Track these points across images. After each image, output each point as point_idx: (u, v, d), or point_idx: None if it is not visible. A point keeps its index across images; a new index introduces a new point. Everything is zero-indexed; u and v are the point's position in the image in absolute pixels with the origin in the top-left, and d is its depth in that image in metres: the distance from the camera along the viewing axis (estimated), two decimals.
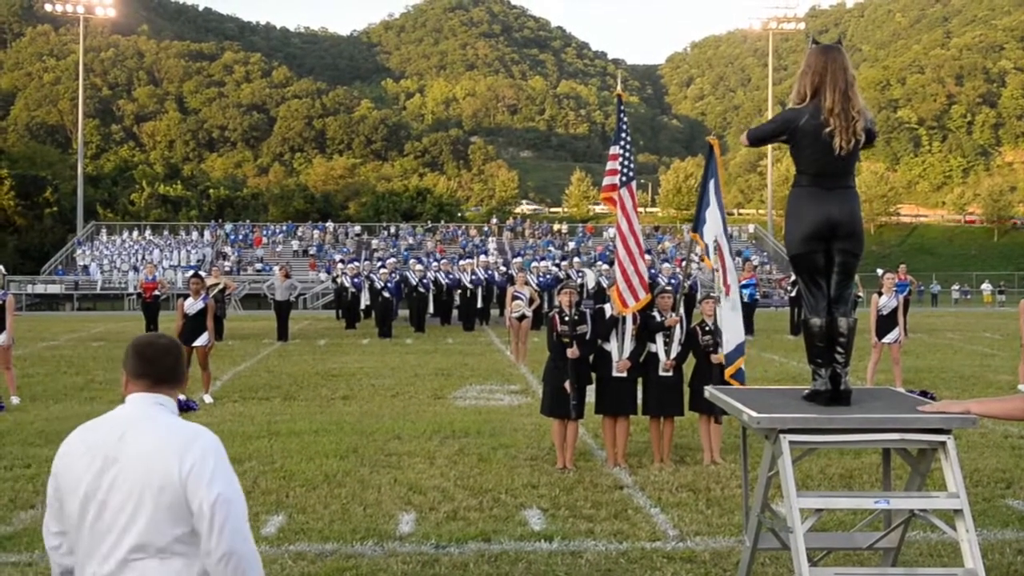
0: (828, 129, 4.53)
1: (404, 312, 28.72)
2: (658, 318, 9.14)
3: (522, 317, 18.53)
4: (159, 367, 2.98)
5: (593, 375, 9.17)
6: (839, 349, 4.69)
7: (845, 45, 4.89)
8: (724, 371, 8.74)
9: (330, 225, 63.36)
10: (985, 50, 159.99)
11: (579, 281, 23.24)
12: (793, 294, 25.95)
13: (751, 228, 66.78)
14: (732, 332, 8.68)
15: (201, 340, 13.24)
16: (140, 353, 2.99)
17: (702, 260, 9.29)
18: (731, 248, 9.05)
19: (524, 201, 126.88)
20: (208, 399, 13.14)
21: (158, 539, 2.74)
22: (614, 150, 9.47)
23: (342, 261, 36.38)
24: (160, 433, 2.83)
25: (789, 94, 4.92)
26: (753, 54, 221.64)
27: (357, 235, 61.29)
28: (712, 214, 8.85)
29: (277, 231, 62.06)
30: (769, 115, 63.22)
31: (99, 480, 2.79)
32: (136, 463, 2.77)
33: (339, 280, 30.32)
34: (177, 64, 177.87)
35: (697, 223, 9.05)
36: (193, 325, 13.27)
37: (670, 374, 9.11)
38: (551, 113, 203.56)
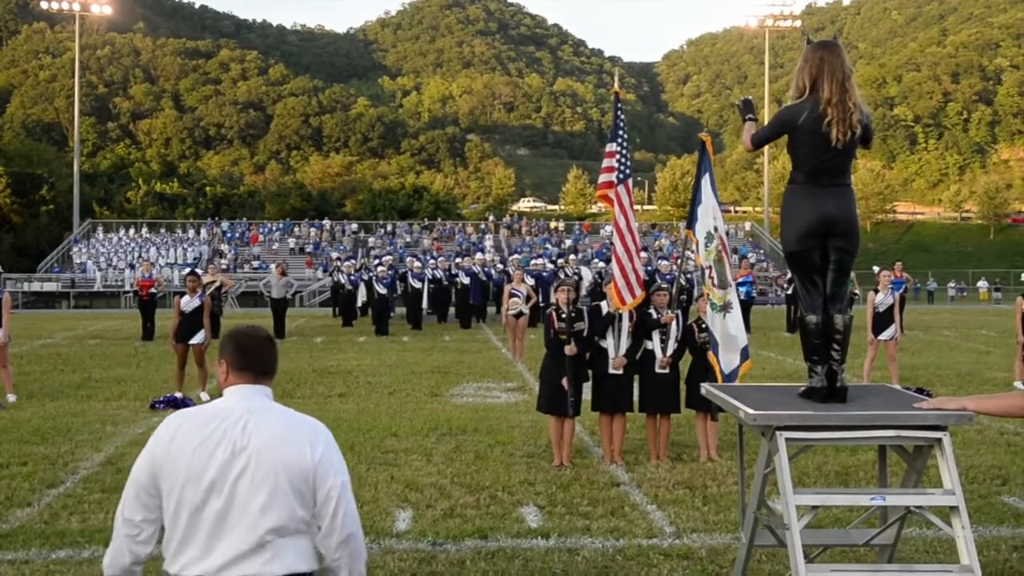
0: (826, 120, 4.53)
1: (401, 310, 28.73)
2: (654, 315, 9.15)
3: (519, 314, 18.54)
4: (261, 360, 3.11)
5: (590, 372, 9.18)
6: (835, 346, 4.70)
7: (841, 43, 4.89)
8: (727, 375, 8.71)
9: (327, 223, 63.31)
10: (981, 48, 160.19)
11: (575, 278, 23.24)
12: (790, 292, 25.97)
13: (748, 226, 66.80)
14: (738, 335, 8.70)
15: (197, 338, 13.24)
16: (243, 346, 3.11)
17: (695, 257, 9.30)
18: (726, 243, 9.06)
19: (524, 199, 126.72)
20: (205, 397, 13.13)
21: (291, 522, 2.90)
22: (611, 147, 9.47)
23: (339, 259, 36.36)
24: (285, 423, 3.00)
25: (786, 91, 4.92)
26: (750, 52, 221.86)
27: (354, 233, 61.25)
28: (704, 211, 8.88)
29: (274, 229, 62.01)
30: (766, 113, 63.15)
31: (228, 468, 2.90)
32: (269, 451, 2.91)
33: (336, 277, 30.32)
34: (173, 62, 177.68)
35: (690, 220, 9.08)
36: (189, 323, 13.26)
37: (666, 371, 9.12)
38: (548, 111, 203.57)
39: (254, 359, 3.10)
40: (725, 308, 8.78)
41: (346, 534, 2.97)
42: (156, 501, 2.97)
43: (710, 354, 8.93)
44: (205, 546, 2.89)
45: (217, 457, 2.91)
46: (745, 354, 8.79)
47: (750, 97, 5.32)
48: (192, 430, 2.97)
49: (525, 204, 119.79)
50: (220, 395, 3.12)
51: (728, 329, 8.78)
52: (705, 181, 8.94)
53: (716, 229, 8.85)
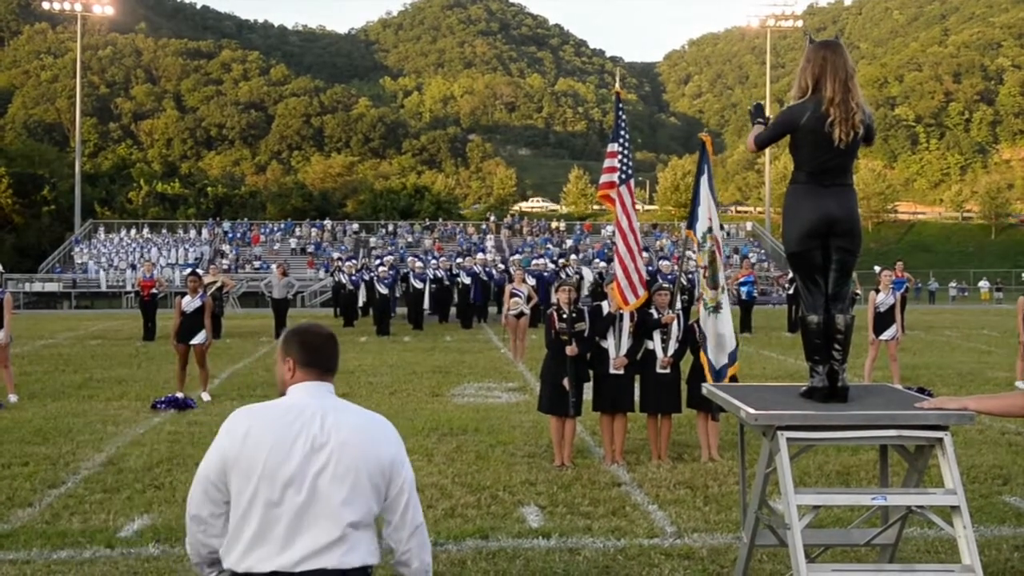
0: (829, 120, 4.53)
1: (402, 310, 28.72)
2: (655, 315, 9.15)
3: (520, 315, 18.53)
4: (326, 357, 3.19)
5: (591, 372, 9.17)
6: (836, 346, 4.70)
7: (843, 42, 4.88)
8: (718, 374, 8.69)
9: (328, 223, 63.36)
10: (983, 47, 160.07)
11: (576, 279, 23.24)
12: (791, 291, 25.96)
13: (749, 226, 66.79)
14: (728, 335, 8.68)
15: (198, 338, 13.23)
16: (309, 344, 3.18)
17: (696, 257, 9.31)
18: (723, 246, 9.07)
19: (534, 199, 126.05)
20: (206, 397, 13.13)
21: (367, 516, 3.01)
22: (612, 148, 9.47)
23: (340, 259, 36.37)
24: (363, 419, 3.11)
25: (788, 92, 4.92)
26: (751, 52, 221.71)
27: (355, 233, 61.29)
28: (703, 211, 8.88)
29: (275, 229, 62.06)
30: (767, 113, 62.82)
31: (308, 463, 2.95)
32: (350, 447, 2.99)
33: (337, 277, 30.31)
34: (175, 62, 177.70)
35: (691, 220, 9.09)
36: (190, 323, 13.26)
37: (667, 371, 9.12)
38: (549, 111, 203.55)
39: (320, 356, 3.17)
40: (716, 308, 8.78)
41: (416, 526, 3.12)
42: (224, 496, 3.01)
43: (701, 353, 8.93)
44: (283, 541, 2.92)
45: (296, 452, 2.96)
46: (733, 357, 8.76)
47: (761, 102, 5.31)
48: (266, 426, 3.01)
49: (535, 203, 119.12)
50: (282, 393, 3.18)
51: (718, 329, 8.77)
52: (704, 181, 8.95)
53: (711, 230, 8.86)
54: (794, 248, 4.77)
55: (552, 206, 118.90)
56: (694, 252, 9.19)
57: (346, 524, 2.95)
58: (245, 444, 2.98)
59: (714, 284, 8.83)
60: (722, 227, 9.11)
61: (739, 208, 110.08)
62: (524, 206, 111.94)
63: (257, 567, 2.92)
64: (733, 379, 8.71)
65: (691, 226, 9.09)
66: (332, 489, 2.94)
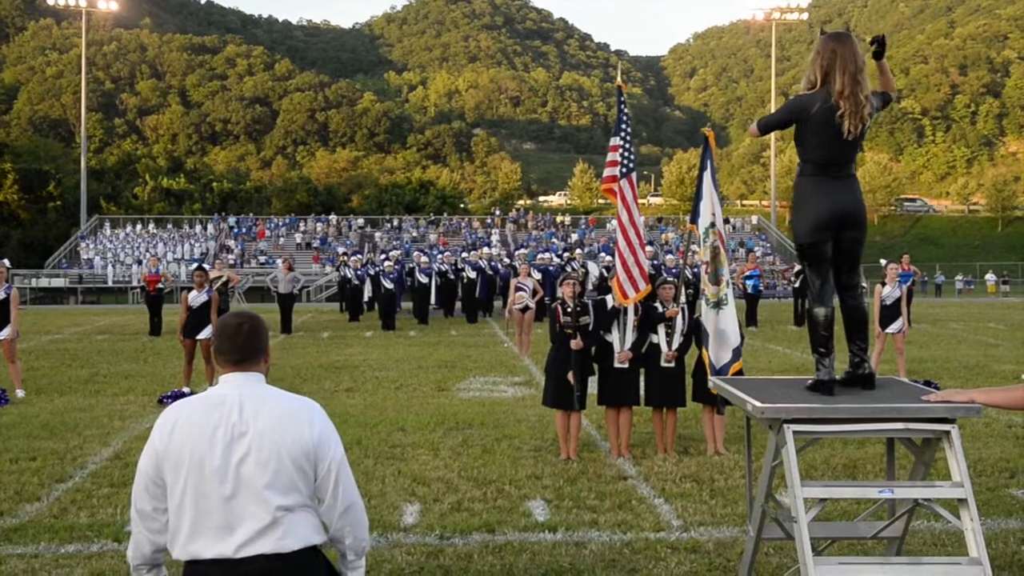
0: (839, 112, 4.53)
1: (408, 304, 28.73)
2: (660, 309, 9.14)
3: (525, 309, 18.54)
4: (234, 348, 3.17)
5: (596, 366, 9.17)
6: (857, 335, 4.76)
7: (853, 35, 4.87)
8: (717, 369, 8.65)
9: (333, 218, 63.36)
10: (989, 40, 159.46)
11: (581, 272, 23.24)
12: (797, 285, 25.94)
13: (754, 219, 66.66)
14: (731, 332, 8.64)
15: (205, 333, 13.27)
16: (221, 333, 3.22)
17: (698, 251, 9.28)
18: (727, 240, 9.03)
19: (558, 193, 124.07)
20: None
21: (297, 499, 3.03)
22: (614, 141, 9.46)
23: (346, 254, 36.37)
24: (283, 405, 3.11)
25: (794, 85, 4.91)
26: (756, 45, 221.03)
27: (360, 228, 61.29)
28: (706, 206, 8.86)
29: (280, 224, 62.07)
30: (772, 106, 63.04)
31: (230, 453, 3.00)
32: (270, 434, 3.02)
33: (342, 272, 30.33)
34: (179, 57, 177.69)
35: (694, 214, 9.07)
36: (197, 318, 13.30)
37: (672, 365, 9.11)
38: (554, 105, 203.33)
39: (230, 346, 3.17)
40: (718, 304, 8.71)
41: (347, 504, 3.15)
42: (163, 490, 3.06)
43: (704, 352, 8.88)
44: (219, 529, 2.98)
45: (218, 443, 3.00)
46: (737, 354, 8.71)
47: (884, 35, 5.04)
48: (190, 419, 3.06)
49: (557, 199, 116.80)
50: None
51: (720, 325, 8.69)
52: (707, 176, 8.92)
53: (713, 224, 8.83)
54: (805, 240, 4.77)
55: (555, 199, 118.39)
56: (697, 246, 9.17)
57: (275, 508, 2.98)
58: (172, 437, 3.04)
59: (716, 280, 8.80)
60: (727, 221, 9.03)
61: (744, 201, 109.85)
62: (549, 201, 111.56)
63: (200, 555, 2.99)
64: (738, 375, 8.68)
65: (694, 220, 9.07)
66: (256, 476, 2.98)
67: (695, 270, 22.73)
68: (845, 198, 4.65)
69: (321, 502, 3.13)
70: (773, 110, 5.01)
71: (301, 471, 3.04)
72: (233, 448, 3.00)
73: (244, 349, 3.17)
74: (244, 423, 3.02)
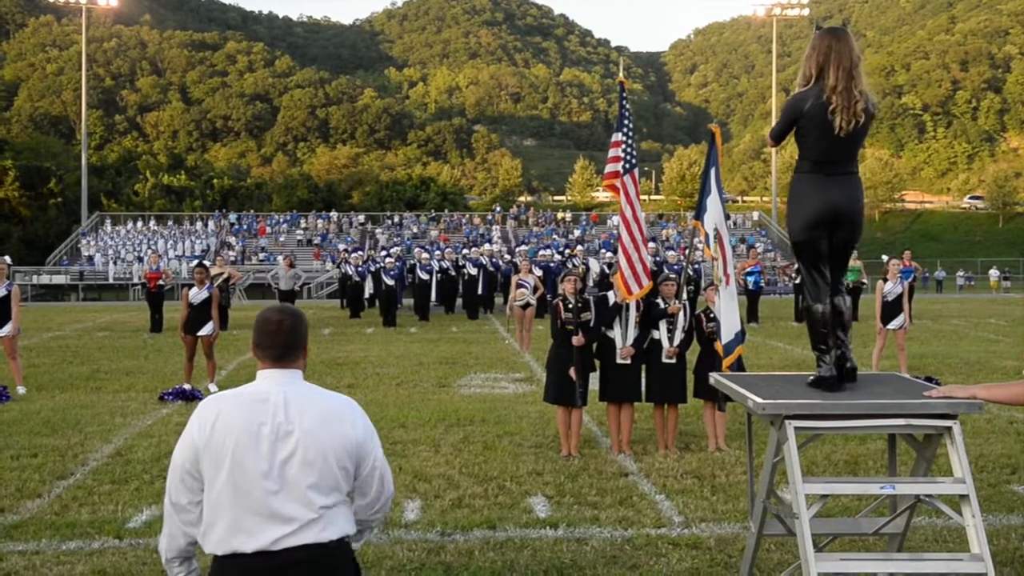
0: (831, 108, 4.50)
1: (409, 301, 28.73)
2: (661, 305, 9.13)
3: (526, 305, 18.53)
4: (277, 344, 3.17)
5: (597, 362, 9.17)
6: (840, 329, 4.71)
7: (850, 30, 4.84)
8: (722, 361, 8.67)
9: (334, 214, 63.36)
10: (990, 35, 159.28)
11: (582, 268, 23.25)
12: (797, 281, 25.92)
13: (755, 215, 66.62)
14: (729, 321, 8.65)
15: (206, 329, 13.26)
16: (260, 329, 3.20)
17: (704, 249, 9.26)
18: (730, 236, 9.01)
19: (599, 191, 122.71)
20: (213, 388, 13.15)
21: (338, 498, 3.11)
22: (616, 137, 9.44)
23: (347, 250, 36.36)
24: (326, 405, 3.14)
25: (795, 80, 4.89)
26: (757, 41, 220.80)
27: (361, 224, 61.30)
28: (713, 202, 8.82)
29: (281, 221, 62.08)
30: (773, 102, 62.95)
31: (275, 451, 3.02)
32: (316, 434, 3.05)
33: (343, 268, 30.33)
34: (180, 54, 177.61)
35: (699, 211, 9.03)
36: (198, 315, 13.28)
37: (673, 361, 9.11)
38: (554, 101, 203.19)
39: (270, 342, 3.17)
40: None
41: (386, 499, 3.30)
42: (199, 483, 3.07)
43: (717, 343, 8.89)
44: (259, 526, 2.99)
45: (263, 441, 3.02)
46: (734, 345, 8.70)
47: None
48: (233, 414, 3.06)
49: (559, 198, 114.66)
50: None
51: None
52: (712, 173, 8.89)
53: (717, 224, 8.80)
54: (799, 237, 4.75)
55: (551, 197, 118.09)
56: (701, 243, 9.15)
57: (318, 507, 3.03)
58: (214, 431, 3.04)
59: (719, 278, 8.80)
60: (728, 216, 9.03)
61: (745, 198, 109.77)
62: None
63: (241, 548, 2.99)
64: (738, 360, 8.66)
65: (699, 216, 9.04)
66: (301, 476, 3.01)
67: (696, 267, 22.73)
68: (840, 196, 4.61)
69: (364, 496, 3.23)
70: (774, 107, 5.02)
71: (344, 471, 3.10)
72: (278, 447, 3.02)
73: (285, 345, 3.17)
74: (290, 422, 3.04)
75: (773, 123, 5.16)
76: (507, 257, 32.32)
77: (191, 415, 3.14)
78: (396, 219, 62.63)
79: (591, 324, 8.96)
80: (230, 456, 3.00)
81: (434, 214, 65.07)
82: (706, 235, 8.89)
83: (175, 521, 3.12)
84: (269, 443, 3.01)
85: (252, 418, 3.04)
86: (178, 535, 3.14)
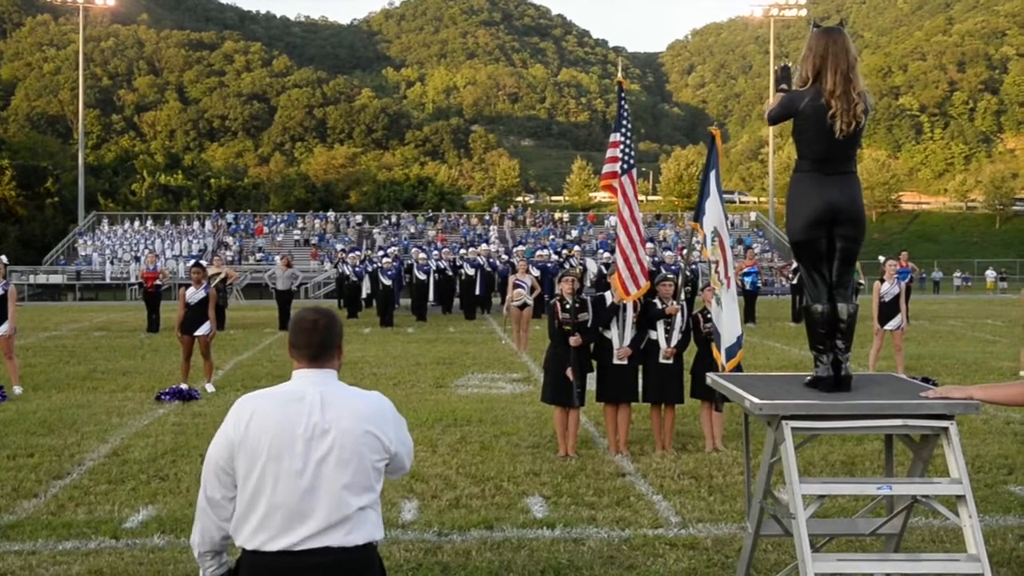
0: (830, 112, 4.50)
1: (406, 301, 28.73)
2: (659, 306, 9.13)
3: (523, 305, 18.53)
4: (312, 343, 3.21)
5: (594, 363, 9.17)
6: (840, 335, 4.68)
7: (847, 29, 4.84)
8: (724, 367, 8.67)
9: (331, 214, 63.33)
10: (987, 36, 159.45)
11: (579, 269, 23.24)
12: (795, 282, 25.93)
13: (753, 216, 66.65)
14: (731, 325, 8.66)
15: (203, 329, 13.24)
16: (296, 328, 3.25)
17: (702, 250, 9.27)
18: (730, 238, 9.01)
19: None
20: (210, 388, 13.14)
21: (371, 498, 3.13)
22: (615, 138, 9.44)
23: (344, 250, 36.32)
24: (362, 405, 3.17)
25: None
26: (754, 41, 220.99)
27: (358, 224, 61.27)
28: (712, 204, 8.82)
29: (278, 221, 62.03)
30: (770, 103, 62.69)
31: (310, 449, 3.05)
32: (352, 434, 3.08)
33: (340, 268, 30.31)
34: (177, 53, 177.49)
35: (698, 213, 9.04)
36: (195, 314, 13.26)
37: (670, 362, 9.11)
38: (552, 101, 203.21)
39: (305, 341, 3.21)
40: (719, 301, 8.74)
41: (410, 468, 3.41)
42: (233, 480, 3.11)
43: (713, 346, 8.90)
44: (289, 523, 3.02)
45: (299, 440, 3.05)
46: (736, 348, 8.70)
47: (788, 64, 5.18)
48: (269, 411, 3.10)
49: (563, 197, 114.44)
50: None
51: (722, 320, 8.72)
52: (712, 175, 8.90)
53: (717, 226, 8.81)
54: (798, 237, 4.75)
55: (549, 197, 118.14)
56: (699, 244, 9.15)
57: (350, 507, 3.05)
58: (249, 428, 3.07)
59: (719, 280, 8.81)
60: (727, 216, 9.01)
61: (743, 199, 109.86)
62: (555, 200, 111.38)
63: (266, 547, 3.02)
64: (736, 370, 8.68)
65: (697, 218, 9.04)
66: (335, 475, 3.04)
67: (693, 267, 22.73)
68: (838, 195, 4.61)
69: (399, 471, 3.31)
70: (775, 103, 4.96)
71: (377, 471, 3.14)
72: (314, 446, 3.04)
73: (320, 345, 3.20)
74: (327, 422, 3.06)
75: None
76: (504, 257, 32.29)
77: (229, 411, 3.18)
78: (393, 219, 62.60)
79: (588, 324, 8.96)
80: (265, 454, 3.04)
81: (431, 214, 65.02)
82: (704, 237, 8.90)
83: (209, 515, 3.16)
84: (304, 442, 3.04)
85: (288, 416, 3.07)
86: (212, 528, 3.17)
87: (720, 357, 8.73)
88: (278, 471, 3.02)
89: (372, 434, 3.11)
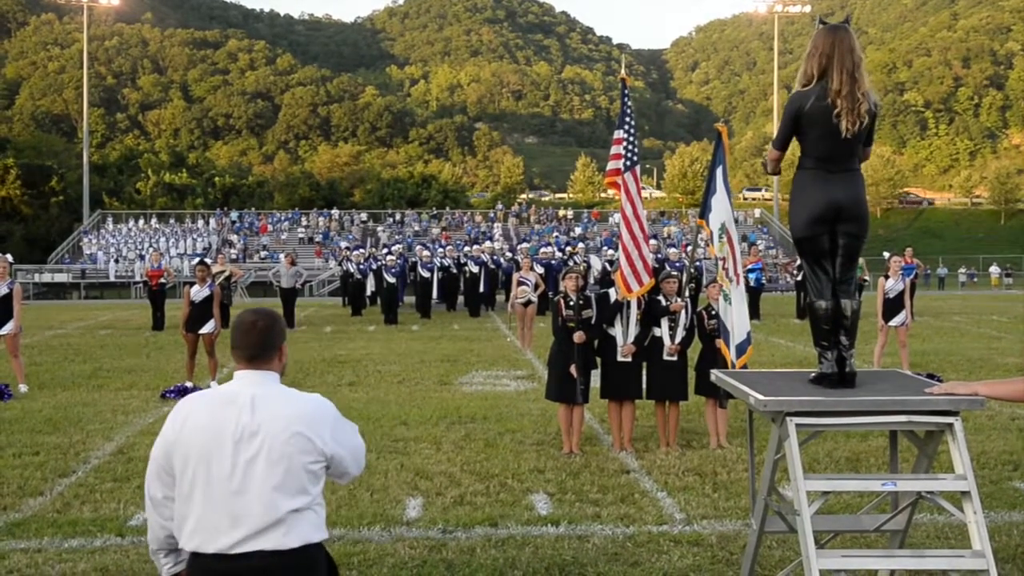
0: (836, 111, 4.50)
1: (410, 299, 28.75)
2: (663, 303, 9.13)
3: (528, 303, 18.54)
4: (251, 344, 3.21)
5: (598, 360, 9.16)
6: (843, 332, 4.68)
7: (852, 27, 4.83)
8: (734, 364, 8.64)
9: (335, 212, 63.39)
10: (992, 32, 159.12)
11: (583, 266, 23.23)
12: (799, 278, 25.89)
13: (757, 212, 66.58)
14: (740, 322, 8.64)
15: (207, 327, 13.26)
16: (236, 329, 3.24)
17: (707, 247, 9.25)
18: (738, 235, 9.00)
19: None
20: (215, 386, 13.15)
21: (306, 500, 3.08)
22: (618, 134, 9.42)
23: (348, 248, 36.36)
24: (295, 406, 3.14)
25: (795, 77, 4.88)
26: (759, 38, 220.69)
27: (363, 222, 61.32)
28: (719, 201, 8.80)
29: (282, 219, 62.12)
30: (775, 99, 62.72)
31: (240, 451, 3.03)
32: (282, 435, 3.04)
33: (345, 266, 30.34)
34: (181, 52, 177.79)
35: (704, 210, 9.01)
36: (199, 312, 13.28)
37: (675, 359, 9.10)
38: (556, 99, 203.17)
39: (244, 342, 3.21)
40: (727, 298, 8.72)
41: (358, 472, 3.33)
42: (173, 480, 3.12)
43: (719, 342, 8.88)
44: (221, 525, 3.00)
45: (227, 441, 3.04)
46: (745, 345, 8.69)
47: None
48: (202, 413, 3.10)
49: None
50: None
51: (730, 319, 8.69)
52: (719, 173, 8.87)
53: (724, 223, 8.79)
54: (801, 234, 4.75)
55: (553, 195, 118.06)
56: (705, 241, 9.13)
57: (281, 509, 3.01)
58: (184, 430, 3.09)
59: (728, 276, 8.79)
60: (733, 214, 8.96)
61: (747, 195, 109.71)
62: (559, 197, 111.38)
63: (202, 548, 3.02)
64: (745, 366, 8.67)
65: (703, 216, 9.02)
66: (265, 477, 3.01)
67: (697, 264, 22.71)
68: (842, 192, 4.61)
69: (341, 479, 3.27)
70: (776, 104, 5.02)
71: (312, 474, 3.08)
72: (243, 448, 3.03)
73: (258, 346, 3.19)
74: (256, 423, 3.05)
75: (775, 120, 5.16)
76: (508, 255, 32.34)
77: (169, 414, 3.21)
78: (398, 217, 62.65)
79: (592, 321, 8.95)
80: (196, 456, 3.03)
81: (435, 212, 65.07)
82: (711, 234, 8.88)
83: (153, 514, 3.19)
84: (233, 444, 3.02)
85: (219, 419, 3.06)
86: (157, 528, 3.20)
87: (729, 354, 8.70)
88: (208, 473, 3.01)
89: (303, 435, 3.06)
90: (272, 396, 3.13)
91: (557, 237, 48.61)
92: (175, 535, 3.14)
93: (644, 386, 9.18)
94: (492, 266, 28.19)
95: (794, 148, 4.87)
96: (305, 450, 3.06)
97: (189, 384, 12.79)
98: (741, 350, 8.57)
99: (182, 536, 3.08)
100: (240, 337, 3.21)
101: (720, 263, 8.89)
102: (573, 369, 8.82)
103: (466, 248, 31.88)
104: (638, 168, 9.37)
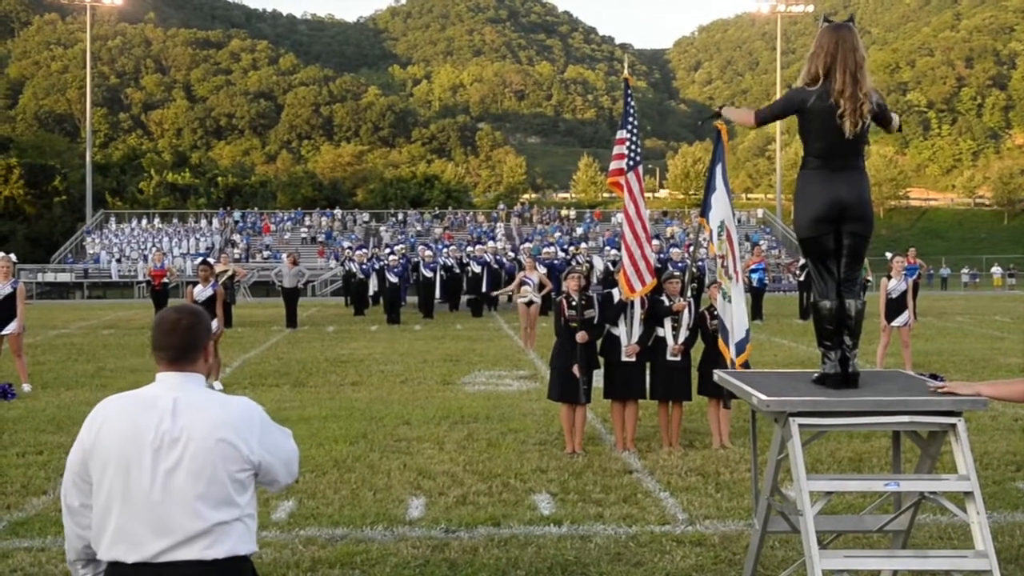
0: (839, 111, 4.51)
1: (413, 298, 28.77)
2: (666, 303, 9.13)
3: (531, 303, 18.55)
4: (171, 344, 3.03)
5: (601, 360, 9.17)
6: (847, 332, 4.68)
7: (855, 26, 4.83)
8: (734, 363, 8.64)
9: (338, 212, 63.39)
10: (995, 32, 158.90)
11: (586, 266, 23.22)
12: (802, 278, 25.89)
13: (760, 212, 66.52)
14: (739, 320, 8.63)
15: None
16: (157, 328, 3.06)
17: (708, 245, 9.24)
18: (738, 234, 9.00)
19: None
20: (218, 386, 13.16)
21: (231, 509, 2.91)
22: (621, 134, 9.42)
23: (351, 248, 36.36)
24: (220, 413, 2.95)
25: (798, 77, 4.89)
26: (761, 37, 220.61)
27: (365, 222, 61.32)
28: (718, 199, 8.80)
29: (285, 218, 62.12)
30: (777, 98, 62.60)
31: (160, 458, 2.86)
32: (205, 443, 2.88)
33: (347, 266, 30.36)
34: (184, 52, 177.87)
35: (704, 208, 9.01)
36: None
37: (678, 359, 9.10)
38: (558, 98, 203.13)
39: (164, 342, 3.03)
40: (726, 297, 8.71)
41: (290, 480, 3.15)
42: (90, 487, 2.96)
43: (721, 342, 8.87)
44: (143, 535, 2.86)
45: (146, 449, 2.87)
46: (745, 343, 8.68)
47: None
48: (118, 419, 2.94)
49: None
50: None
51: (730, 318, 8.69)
52: (718, 170, 8.87)
53: (724, 221, 8.79)
54: (805, 233, 4.75)
55: (556, 194, 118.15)
56: (706, 240, 9.13)
57: (207, 520, 2.86)
58: (100, 435, 2.92)
59: (728, 275, 8.78)
60: (733, 213, 8.97)
61: (750, 195, 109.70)
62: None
63: (122, 558, 2.87)
64: (744, 366, 8.66)
65: (704, 214, 9.01)
66: (187, 486, 2.85)
67: (700, 264, 22.69)
68: (845, 191, 4.61)
69: (272, 486, 3.11)
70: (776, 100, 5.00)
71: (238, 483, 2.92)
72: (163, 455, 2.86)
73: (181, 347, 3.01)
74: (178, 429, 2.87)
75: (778, 121, 5.15)
76: (511, 255, 32.35)
77: (87, 417, 3.05)
78: (400, 217, 62.63)
79: (595, 321, 8.95)
80: (113, 462, 2.87)
81: (438, 212, 65.05)
82: (711, 232, 8.87)
83: (70, 523, 3.02)
84: (153, 451, 2.85)
85: (138, 424, 2.89)
86: (73, 538, 3.03)
87: (728, 352, 8.69)
88: (127, 483, 2.85)
89: (228, 442, 2.88)
90: (195, 400, 2.95)
91: (559, 237, 48.62)
92: (92, 545, 2.97)
93: (648, 386, 9.18)
94: (495, 266, 28.19)
95: (797, 148, 4.87)
96: (230, 458, 2.89)
97: None
98: (740, 348, 8.56)
99: (100, 546, 2.91)
100: (162, 337, 3.01)
101: (719, 261, 8.89)
102: (576, 369, 8.82)
103: (469, 248, 31.88)
104: (641, 168, 9.37)
